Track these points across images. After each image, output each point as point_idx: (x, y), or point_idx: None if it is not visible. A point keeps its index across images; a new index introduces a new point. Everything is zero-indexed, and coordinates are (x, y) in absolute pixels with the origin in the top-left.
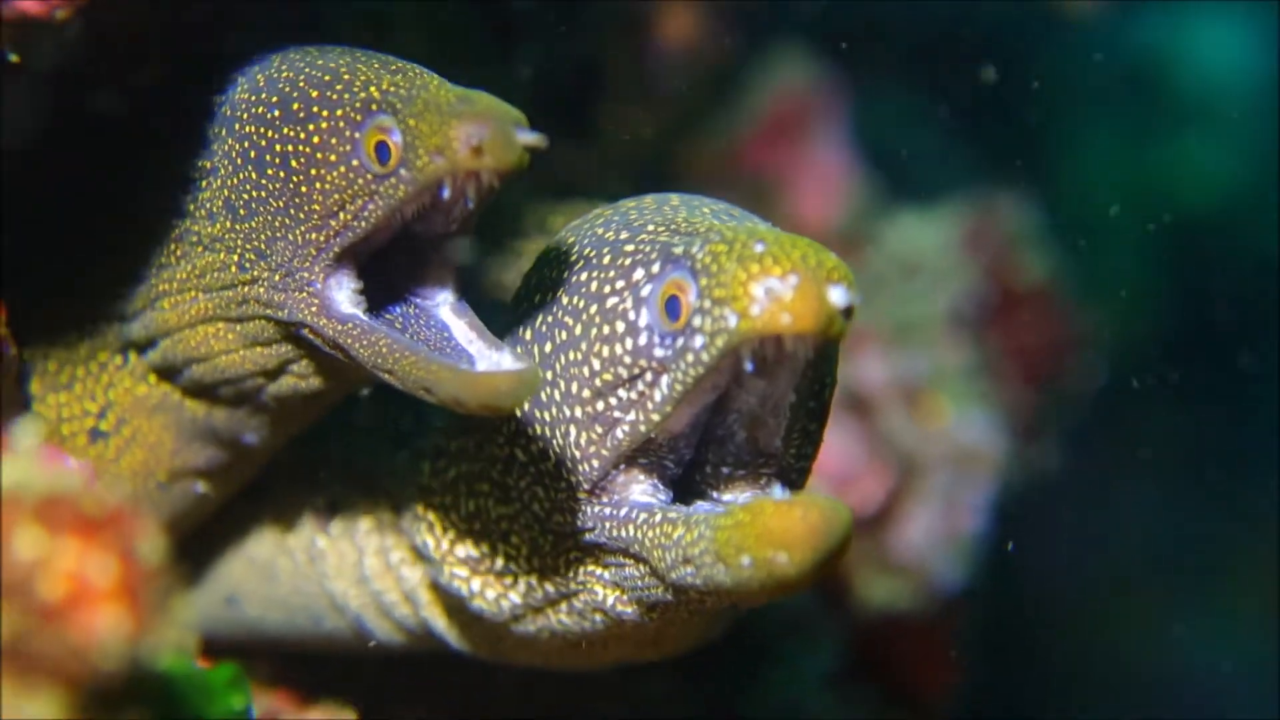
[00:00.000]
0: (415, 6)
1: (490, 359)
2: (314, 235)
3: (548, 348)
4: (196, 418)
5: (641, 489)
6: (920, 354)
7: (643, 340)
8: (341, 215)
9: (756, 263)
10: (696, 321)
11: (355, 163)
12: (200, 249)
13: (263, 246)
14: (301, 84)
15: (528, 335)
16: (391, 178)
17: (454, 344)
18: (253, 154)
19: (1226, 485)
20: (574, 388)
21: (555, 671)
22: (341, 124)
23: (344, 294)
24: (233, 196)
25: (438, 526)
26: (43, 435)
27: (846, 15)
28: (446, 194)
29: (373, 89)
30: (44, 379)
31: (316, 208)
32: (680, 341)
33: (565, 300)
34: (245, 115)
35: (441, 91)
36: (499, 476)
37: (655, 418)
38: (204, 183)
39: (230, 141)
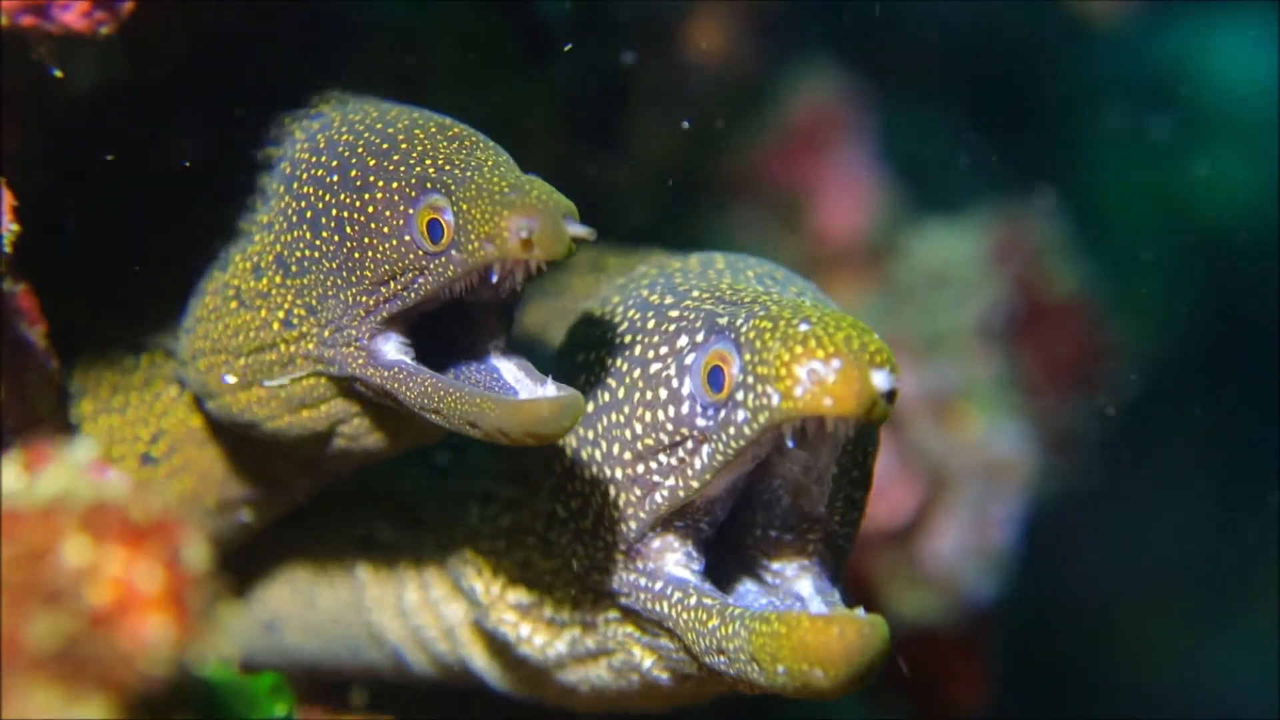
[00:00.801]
0: (446, 19)
1: (533, 390)
2: (364, 299)
3: (590, 407)
4: (248, 455)
5: (675, 558)
6: (949, 366)
7: (685, 409)
8: (392, 285)
9: (800, 344)
10: (740, 396)
11: (408, 238)
12: (234, 304)
13: (314, 303)
14: (360, 150)
15: None
16: (442, 257)
17: (501, 382)
18: (309, 214)
19: (1258, 497)
20: (615, 449)
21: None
22: (396, 198)
23: (391, 345)
24: (285, 253)
25: (487, 571)
26: (97, 453)
27: (873, 27)
28: (495, 277)
29: (429, 163)
30: (97, 401)
31: (368, 274)
32: (723, 414)
33: (609, 362)
34: (305, 176)
35: (495, 176)
36: (543, 530)
37: (695, 484)
38: (258, 236)
39: (288, 199)
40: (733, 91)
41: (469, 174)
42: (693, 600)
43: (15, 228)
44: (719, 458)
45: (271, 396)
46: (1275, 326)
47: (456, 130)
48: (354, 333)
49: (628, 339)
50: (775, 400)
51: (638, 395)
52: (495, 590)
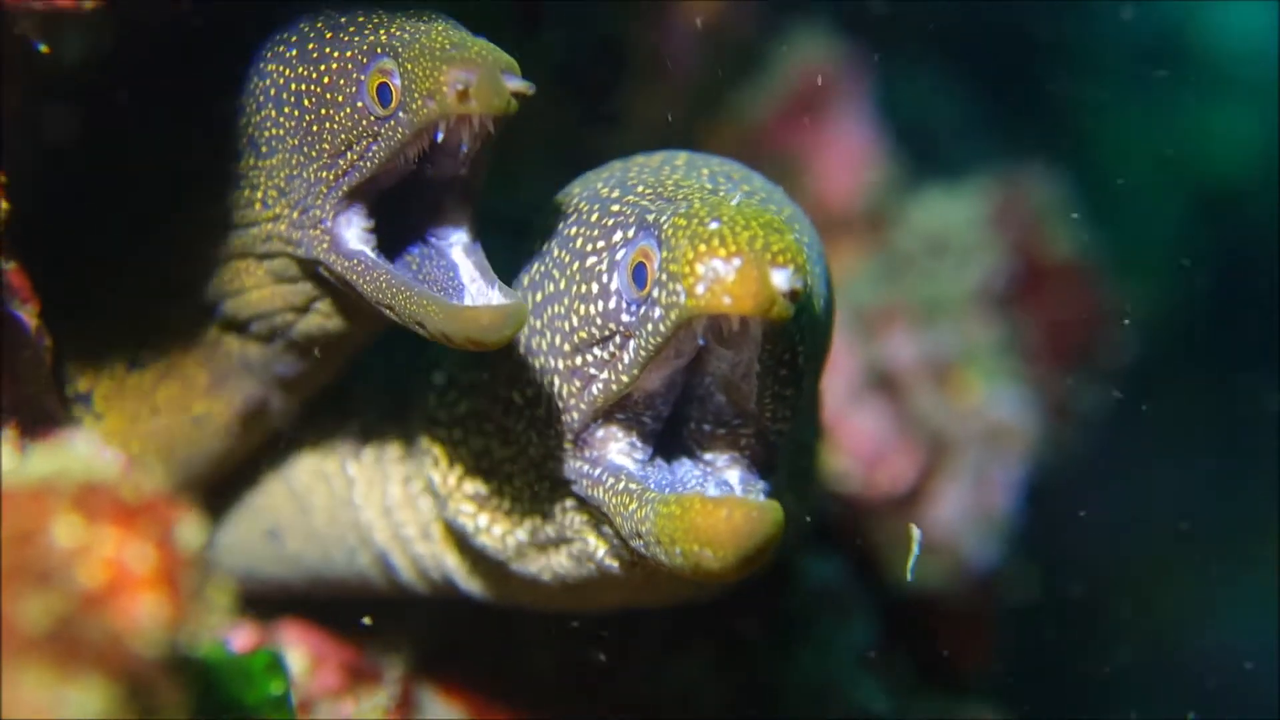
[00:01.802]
0: None
1: (483, 293)
2: (324, 174)
3: (538, 297)
4: (231, 353)
5: (619, 447)
6: (949, 331)
7: (613, 304)
8: (349, 154)
9: (704, 242)
10: (655, 292)
11: (360, 104)
12: (225, 187)
13: (282, 184)
14: (319, 25)
15: (525, 281)
16: (391, 120)
17: (457, 282)
18: (272, 91)
19: (1261, 460)
20: (556, 340)
21: (568, 614)
22: (349, 65)
23: (353, 231)
24: (256, 134)
25: (443, 461)
26: (96, 440)
27: None
28: (440, 137)
29: (381, 33)
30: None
31: (326, 146)
32: (643, 310)
33: (555, 252)
34: (269, 55)
35: (439, 37)
36: (500, 417)
37: (624, 379)
38: (240, 121)
39: (255, 80)
40: (730, 57)
41: (417, 37)
42: (620, 485)
43: (5, 205)
44: (642, 353)
45: (257, 265)
46: (1277, 287)
47: (427, 14)
48: (318, 213)
49: (573, 231)
50: (681, 298)
51: (575, 288)
52: (452, 481)
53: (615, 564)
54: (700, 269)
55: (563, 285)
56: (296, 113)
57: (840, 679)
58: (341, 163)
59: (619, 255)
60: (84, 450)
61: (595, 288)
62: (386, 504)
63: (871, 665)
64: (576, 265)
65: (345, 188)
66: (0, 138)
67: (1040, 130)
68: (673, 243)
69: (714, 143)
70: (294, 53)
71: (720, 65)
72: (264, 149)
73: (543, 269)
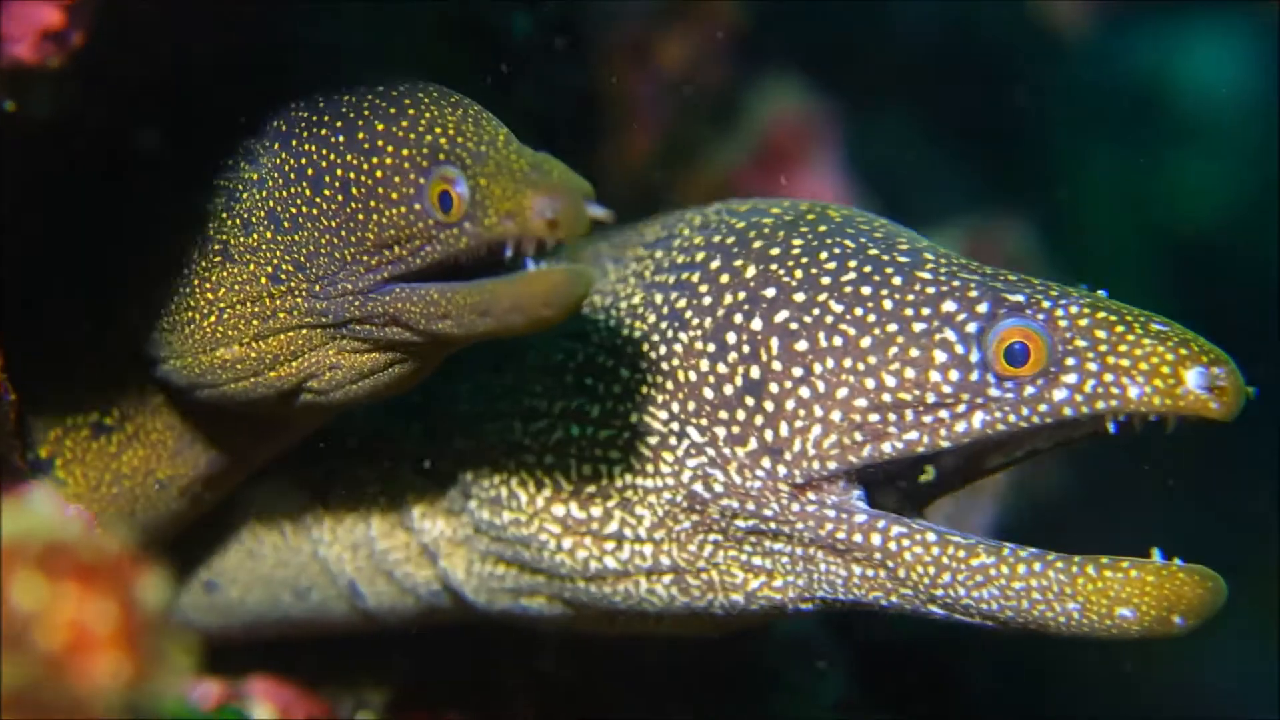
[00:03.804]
0: (407, 43)
1: (537, 266)
2: (365, 258)
3: (825, 343)
4: (200, 422)
5: (857, 495)
6: None
7: (974, 376)
8: (396, 249)
9: (1168, 353)
10: (1068, 378)
11: (418, 207)
12: (219, 259)
13: (302, 259)
14: (366, 113)
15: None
16: (454, 228)
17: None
18: (310, 171)
19: (1231, 500)
20: (840, 393)
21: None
22: (406, 165)
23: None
24: (279, 209)
25: (531, 484)
26: (59, 499)
27: (843, 40)
28: (509, 252)
29: (439, 132)
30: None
31: (370, 236)
32: (1028, 391)
33: (835, 306)
34: (305, 134)
35: (511, 153)
36: (646, 449)
37: (943, 444)
38: (245, 194)
39: (284, 156)
40: (702, 109)
41: (483, 148)
42: (931, 537)
43: None
44: (999, 426)
45: (244, 354)
46: (1253, 330)
47: (457, 98)
48: (349, 286)
49: (865, 290)
50: (1115, 403)
51: (889, 350)
52: (540, 503)
53: (778, 596)
54: (1186, 375)
55: (864, 344)
56: (340, 198)
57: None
58: (387, 254)
59: (969, 328)
60: (46, 508)
61: (943, 356)
62: (365, 536)
63: (846, 712)
64: (894, 327)
65: (387, 274)
66: None
67: (1011, 179)
68: (1100, 348)
69: (688, 192)
70: (341, 138)
71: (694, 115)
72: (286, 224)
73: (811, 316)
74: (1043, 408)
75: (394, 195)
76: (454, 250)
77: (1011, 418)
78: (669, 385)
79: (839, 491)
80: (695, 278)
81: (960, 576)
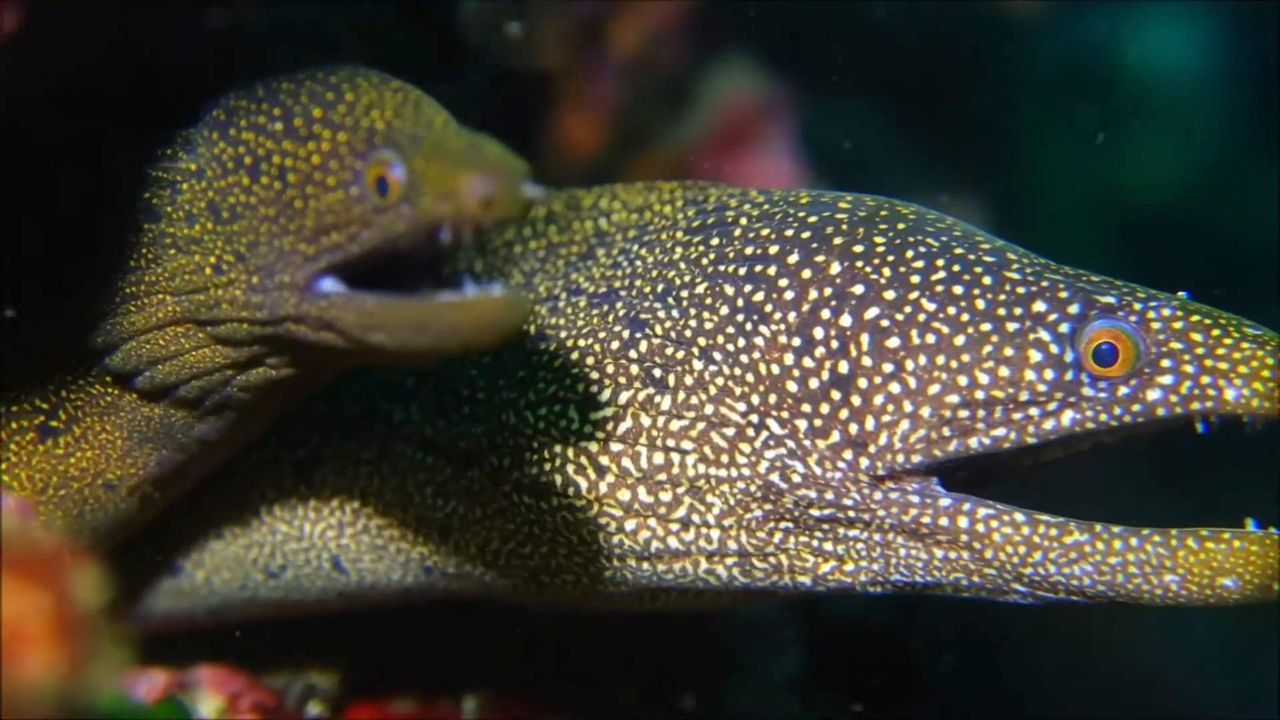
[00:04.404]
0: (354, 25)
1: (476, 290)
2: (303, 246)
3: (917, 340)
4: (151, 418)
5: (935, 481)
6: None
7: (1069, 375)
8: (334, 235)
9: (1245, 364)
10: (1163, 377)
11: (355, 191)
12: (173, 251)
13: (243, 250)
14: (304, 99)
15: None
16: (390, 212)
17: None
18: (247, 160)
19: (1200, 483)
20: (931, 389)
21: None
22: (344, 150)
23: (326, 284)
24: (218, 199)
25: (591, 471)
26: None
27: (794, 23)
28: (445, 235)
29: (376, 116)
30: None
31: (309, 222)
32: (1122, 390)
33: (928, 304)
34: (243, 122)
35: (449, 134)
36: (722, 440)
37: (1030, 440)
38: (185, 185)
39: (222, 145)
40: (655, 91)
41: (420, 131)
42: (1020, 516)
43: None
44: (1089, 425)
45: (199, 329)
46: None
47: (397, 84)
48: (287, 278)
49: (955, 290)
50: (1211, 404)
51: (982, 348)
52: (603, 489)
53: (849, 580)
54: (1267, 388)
55: (959, 342)
56: (278, 185)
57: (767, 706)
58: (324, 240)
59: (1062, 329)
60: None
61: (1038, 356)
62: (360, 511)
63: (799, 692)
64: (987, 325)
65: (324, 263)
66: None
67: (966, 161)
68: (1198, 350)
69: (641, 173)
70: (279, 126)
71: (647, 97)
72: (225, 214)
73: (918, 318)
74: (1136, 407)
75: (331, 180)
76: (392, 234)
77: (1103, 416)
78: (749, 378)
79: (919, 479)
80: (772, 271)
81: (1053, 555)
